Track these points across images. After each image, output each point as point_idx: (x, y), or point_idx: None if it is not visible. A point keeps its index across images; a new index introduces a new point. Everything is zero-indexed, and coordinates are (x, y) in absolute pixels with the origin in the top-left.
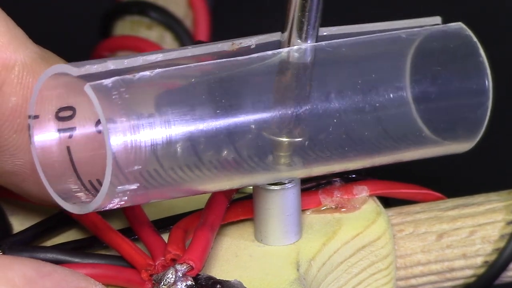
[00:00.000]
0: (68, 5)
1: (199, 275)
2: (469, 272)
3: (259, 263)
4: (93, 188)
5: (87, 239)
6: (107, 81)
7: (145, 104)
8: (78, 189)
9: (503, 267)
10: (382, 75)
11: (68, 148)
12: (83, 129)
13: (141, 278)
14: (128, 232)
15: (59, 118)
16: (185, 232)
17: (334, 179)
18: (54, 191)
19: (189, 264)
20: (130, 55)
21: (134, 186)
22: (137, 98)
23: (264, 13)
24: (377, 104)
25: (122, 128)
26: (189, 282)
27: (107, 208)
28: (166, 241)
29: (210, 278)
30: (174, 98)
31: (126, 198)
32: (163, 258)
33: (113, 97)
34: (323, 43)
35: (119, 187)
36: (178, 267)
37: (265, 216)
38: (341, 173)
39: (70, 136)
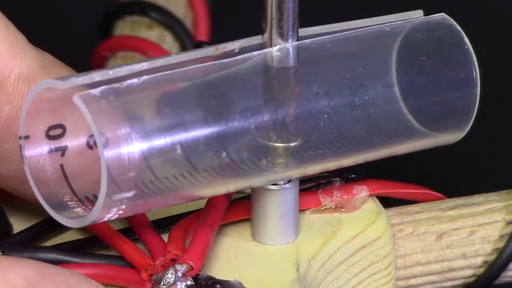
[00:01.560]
0: (68, 5)
1: (199, 275)
2: (469, 272)
3: (259, 263)
4: (90, 203)
5: (87, 239)
6: (95, 91)
7: (135, 111)
8: (75, 205)
9: (503, 267)
10: (369, 70)
11: (61, 166)
12: (75, 146)
13: (141, 278)
14: (128, 232)
15: (50, 137)
16: (185, 232)
17: (334, 179)
18: (50, 207)
19: (189, 264)
20: (115, 66)
21: (130, 195)
22: (126, 106)
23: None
24: (366, 100)
25: (114, 136)
26: (189, 282)
27: (105, 220)
28: (166, 241)
29: (210, 278)
30: (163, 104)
31: (123, 207)
32: (163, 258)
33: (103, 106)
34: (306, 41)
35: (115, 197)
36: (178, 267)
37: (261, 215)
38: (341, 173)
39: (63, 154)
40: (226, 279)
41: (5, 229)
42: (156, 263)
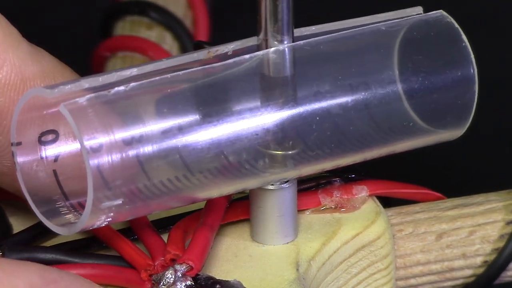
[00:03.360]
0: (67, 5)
1: (199, 275)
2: (469, 272)
3: (258, 263)
4: (82, 209)
5: (87, 239)
6: (82, 99)
7: (122, 118)
8: (67, 211)
9: (503, 267)
10: (369, 69)
11: (54, 172)
12: (67, 151)
13: (141, 278)
14: (128, 232)
15: (42, 143)
16: (184, 232)
17: (333, 179)
18: (42, 214)
19: (188, 264)
20: (104, 72)
21: (118, 202)
22: (113, 113)
23: None
24: (367, 100)
25: (100, 144)
26: (189, 282)
27: (95, 227)
28: (166, 241)
29: (210, 278)
30: (153, 109)
31: (112, 214)
32: (162, 258)
33: (89, 114)
34: (301, 42)
35: (103, 204)
36: (178, 267)
37: (260, 215)
38: (341, 173)
39: (56, 160)
40: (226, 279)
41: (5, 229)
42: (156, 263)
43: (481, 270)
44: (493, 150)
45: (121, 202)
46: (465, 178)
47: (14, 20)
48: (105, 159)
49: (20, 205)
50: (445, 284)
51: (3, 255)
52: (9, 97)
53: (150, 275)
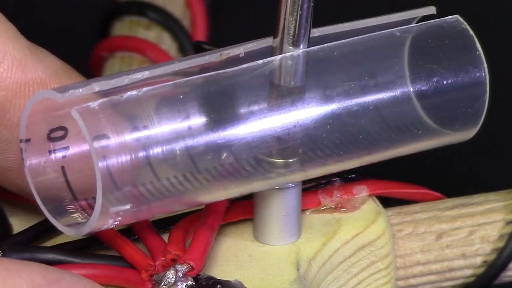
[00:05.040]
0: (66, 5)
1: (199, 275)
2: (469, 272)
3: (259, 263)
4: (90, 207)
5: (87, 239)
6: (94, 104)
7: (133, 124)
8: (74, 209)
9: (503, 267)
10: (381, 75)
11: (62, 168)
12: (76, 147)
13: (141, 278)
14: (128, 232)
15: (51, 139)
16: (185, 232)
17: (333, 179)
18: (49, 212)
19: (189, 264)
20: (115, 74)
21: (127, 206)
22: (126, 119)
23: (263, 13)
24: (379, 104)
25: (110, 149)
26: (190, 282)
27: (103, 229)
28: (166, 241)
29: (210, 278)
30: (162, 116)
31: (120, 218)
32: (163, 258)
33: (101, 119)
34: (315, 48)
35: (112, 208)
36: (178, 267)
37: (265, 215)
38: (341, 173)
39: (64, 156)
40: (227, 279)
41: (5, 229)
42: (157, 263)
43: (481, 270)
44: (493, 150)
45: (129, 206)
46: (465, 178)
47: (12, 19)
48: (114, 164)
49: (20, 205)
50: (445, 284)
51: (4, 255)
52: (12, 90)
53: (151, 275)
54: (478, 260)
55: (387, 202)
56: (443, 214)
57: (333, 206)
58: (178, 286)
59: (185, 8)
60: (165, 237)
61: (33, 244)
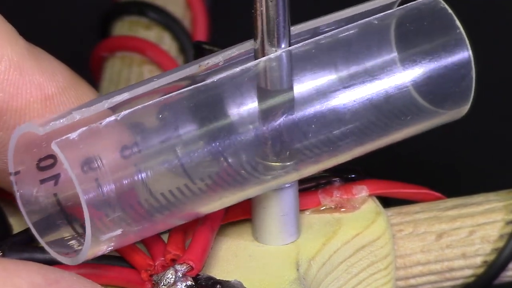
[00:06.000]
0: (66, 5)
1: (199, 275)
2: (469, 272)
3: (259, 263)
4: (85, 233)
5: None
6: (73, 135)
7: (116, 149)
8: (70, 237)
9: (503, 267)
10: (371, 63)
11: (55, 195)
12: (67, 173)
13: (141, 278)
14: None
15: (41, 168)
16: (184, 232)
17: (333, 179)
18: (45, 242)
19: (189, 264)
20: (95, 100)
21: (118, 232)
22: (107, 143)
23: None
24: (372, 94)
25: (95, 178)
26: (189, 282)
27: (100, 254)
28: (166, 242)
29: (210, 278)
30: (145, 136)
31: (113, 244)
32: (163, 259)
33: (82, 150)
34: (298, 45)
35: (102, 237)
36: (178, 267)
37: (263, 216)
38: (341, 173)
39: (56, 183)
40: (226, 279)
41: (5, 229)
42: (156, 264)
43: (481, 270)
44: (493, 150)
45: (120, 232)
46: (465, 178)
47: (12, 19)
48: (99, 193)
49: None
50: (445, 284)
51: (3, 255)
52: (9, 92)
53: (151, 275)
54: (478, 260)
55: (387, 202)
56: (443, 214)
57: (333, 206)
58: (178, 286)
59: (186, 8)
60: (165, 237)
61: (33, 244)
